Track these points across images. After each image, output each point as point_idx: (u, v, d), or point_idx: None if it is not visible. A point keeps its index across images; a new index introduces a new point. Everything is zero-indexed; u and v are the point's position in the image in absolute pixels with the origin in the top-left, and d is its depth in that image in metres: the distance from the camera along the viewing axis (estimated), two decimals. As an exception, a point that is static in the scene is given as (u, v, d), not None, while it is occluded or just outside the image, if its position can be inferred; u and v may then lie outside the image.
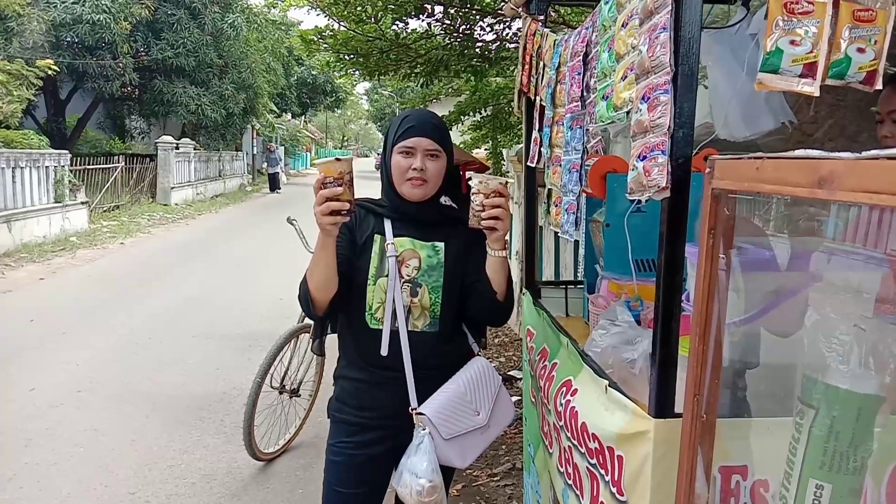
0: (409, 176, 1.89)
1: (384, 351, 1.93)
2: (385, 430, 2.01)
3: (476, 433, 1.99)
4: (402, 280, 1.93)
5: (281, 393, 4.06)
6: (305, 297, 1.88)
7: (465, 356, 2.10)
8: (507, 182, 1.81)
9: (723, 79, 2.10)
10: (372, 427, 2.02)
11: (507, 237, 1.89)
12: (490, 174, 1.87)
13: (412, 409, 1.93)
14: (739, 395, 1.30)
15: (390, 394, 1.97)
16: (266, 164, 26.71)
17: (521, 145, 4.07)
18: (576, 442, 1.68)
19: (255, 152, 29.70)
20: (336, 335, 2.14)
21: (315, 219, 1.71)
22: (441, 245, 1.97)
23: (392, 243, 1.93)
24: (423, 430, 1.90)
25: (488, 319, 2.11)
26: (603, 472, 1.52)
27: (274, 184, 25.72)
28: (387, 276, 1.92)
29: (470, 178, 1.85)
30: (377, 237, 1.96)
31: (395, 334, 1.93)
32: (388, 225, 1.96)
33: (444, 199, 2.06)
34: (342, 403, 2.05)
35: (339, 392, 2.08)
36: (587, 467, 1.62)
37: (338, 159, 1.72)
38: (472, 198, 1.80)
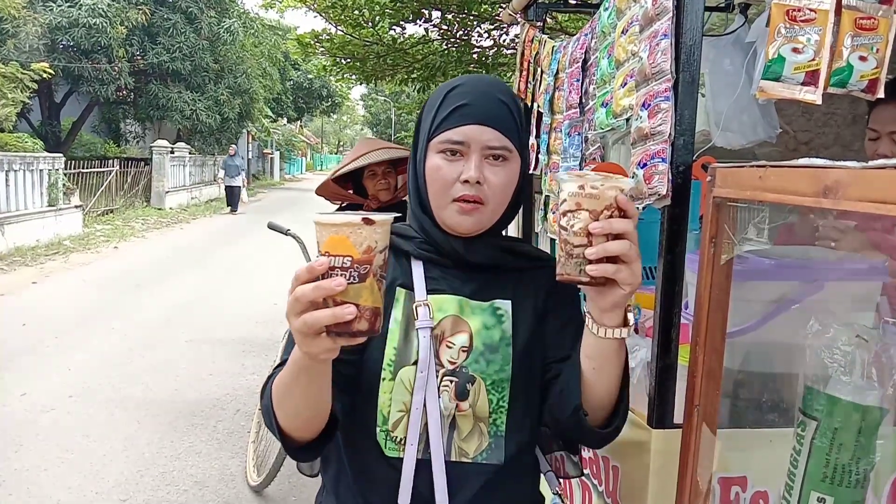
0: (458, 194, 1.09)
1: (404, 499, 1.09)
2: None
3: None
4: (442, 371, 1.12)
5: None
6: (271, 424, 1.02)
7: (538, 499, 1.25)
8: (632, 185, 0.95)
9: (720, 86, 2.09)
10: None
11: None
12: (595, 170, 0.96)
13: None
14: (739, 406, 1.29)
15: None
16: (223, 172, 18.52)
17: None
18: (569, 451, 1.67)
19: (250, 157, 29.51)
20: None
21: (294, 336, 0.85)
22: (506, 305, 1.17)
23: (426, 303, 1.13)
24: None
25: (571, 438, 1.25)
26: (596, 482, 1.51)
27: (231, 200, 18.57)
28: (415, 363, 1.10)
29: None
30: (400, 292, 1.15)
31: (424, 468, 1.10)
32: (418, 270, 1.16)
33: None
34: None
35: None
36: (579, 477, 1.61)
37: (367, 220, 0.81)
38: (561, 220, 0.93)
